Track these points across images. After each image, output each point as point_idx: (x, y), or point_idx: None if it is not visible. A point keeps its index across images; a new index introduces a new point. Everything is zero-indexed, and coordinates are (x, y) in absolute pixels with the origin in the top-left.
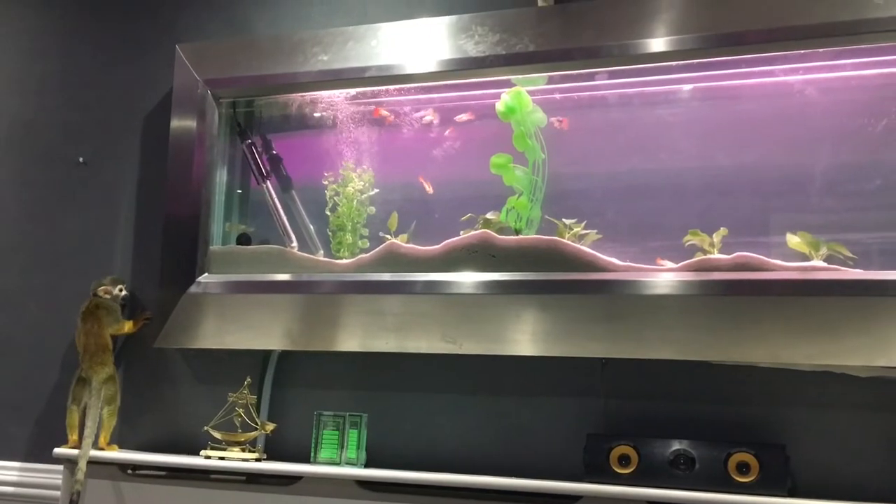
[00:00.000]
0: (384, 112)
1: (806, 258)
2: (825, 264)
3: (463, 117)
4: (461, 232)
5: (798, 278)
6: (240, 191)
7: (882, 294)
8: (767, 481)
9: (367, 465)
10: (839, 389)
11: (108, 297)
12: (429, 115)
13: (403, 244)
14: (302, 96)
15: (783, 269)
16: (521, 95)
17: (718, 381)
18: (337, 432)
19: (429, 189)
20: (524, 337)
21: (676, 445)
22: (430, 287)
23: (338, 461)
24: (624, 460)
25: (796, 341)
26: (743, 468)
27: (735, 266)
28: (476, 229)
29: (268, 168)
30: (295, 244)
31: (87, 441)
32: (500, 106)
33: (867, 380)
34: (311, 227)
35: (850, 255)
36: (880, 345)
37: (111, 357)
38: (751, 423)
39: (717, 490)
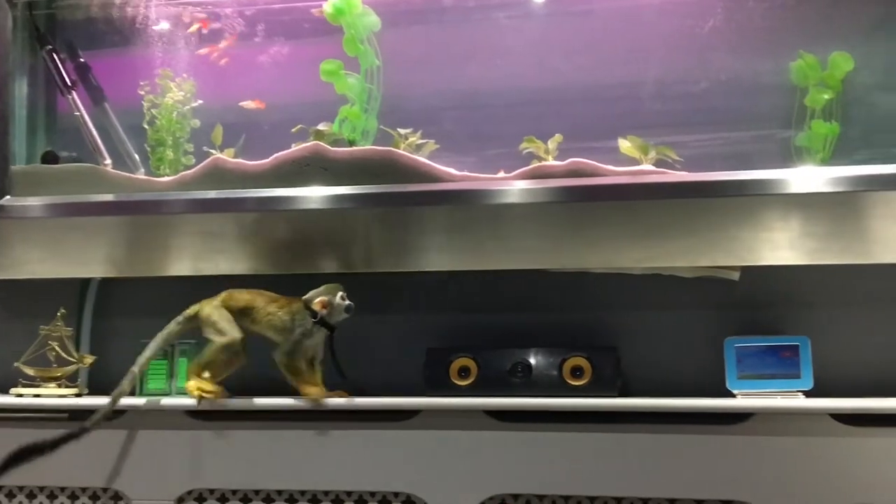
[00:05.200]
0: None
1: (636, 162)
2: (654, 168)
3: (203, 51)
4: (292, 145)
5: (627, 182)
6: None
7: (706, 195)
8: (599, 383)
9: None
10: (667, 291)
11: (324, 311)
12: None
13: (230, 159)
14: None
15: (614, 173)
16: None
17: (555, 288)
18: (165, 361)
19: (255, 106)
20: (361, 253)
21: (514, 355)
22: (262, 204)
23: (168, 391)
24: (464, 372)
25: (627, 245)
26: (577, 372)
27: (568, 172)
28: (308, 142)
29: (73, 78)
30: (108, 162)
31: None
32: (327, 7)
33: (692, 280)
34: (129, 143)
35: (677, 157)
36: (704, 245)
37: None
38: (586, 328)
39: (551, 395)
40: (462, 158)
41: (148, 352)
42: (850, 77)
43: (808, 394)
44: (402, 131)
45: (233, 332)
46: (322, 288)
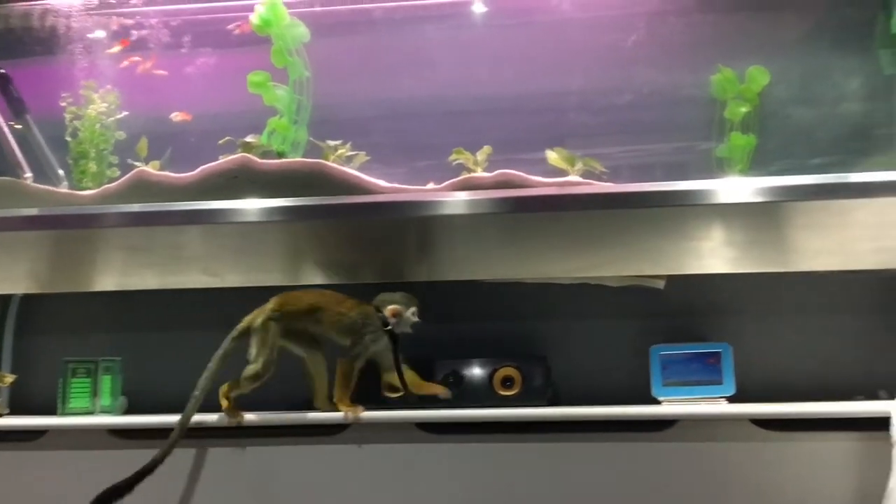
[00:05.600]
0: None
1: (564, 173)
2: (581, 179)
3: (127, 63)
4: (220, 157)
5: (554, 193)
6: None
7: (630, 206)
8: (529, 393)
9: (128, 412)
10: (595, 300)
11: (394, 320)
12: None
13: (154, 171)
14: (27, 6)
15: (542, 185)
16: (277, 7)
17: (487, 299)
18: (88, 380)
19: (182, 118)
20: (289, 265)
21: (445, 365)
22: (188, 217)
23: (92, 410)
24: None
25: (556, 256)
26: (507, 382)
27: (497, 184)
28: (236, 154)
29: None
30: (29, 175)
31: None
32: (254, 18)
33: (619, 289)
34: (52, 156)
35: (603, 168)
36: (629, 255)
37: None
38: (516, 337)
39: (483, 405)
40: (392, 170)
41: (208, 373)
42: (767, 90)
43: (730, 399)
44: (331, 143)
45: (266, 364)
46: (398, 295)
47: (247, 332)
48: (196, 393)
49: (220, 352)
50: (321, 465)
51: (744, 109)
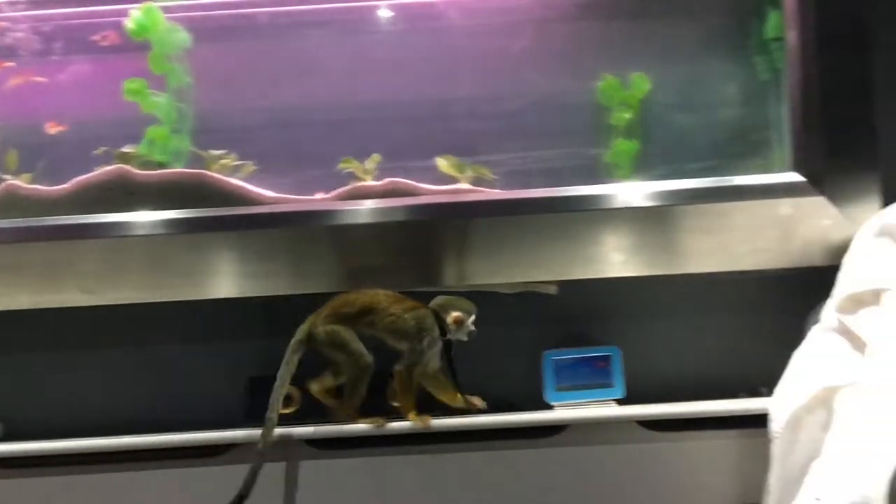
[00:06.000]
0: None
1: (454, 181)
2: (470, 186)
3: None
4: (95, 168)
5: (444, 201)
6: None
7: (520, 212)
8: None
9: (5, 439)
10: (488, 307)
11: (453, 327)
12: None
13: (24, 185)
14: None
15: (432, 192)
16: (153, 11)
17: None
18: None
19: (56, 129)
20: (174, 280)
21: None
22: (61, 232)
23: None
24: (287, 400)
25: (447, 263)
26: None
27: (386, 192)
28: (113, 164)
29: None
30: None
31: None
32: (129, 23)
33: (512, 295)
34: None
35: (493, 175)
36: (521, 261)
37: None
38: None
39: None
40: (280, 180)
41: (278, 382)
42: (649, 97)
43: (621, 402)
44: (214, 152)
45: (367, 353)
46: (460, 301)
47: (305, 343)
48: (271, 415)
49: (284, 365)
50: (204, 486)
51: (627, 116)
